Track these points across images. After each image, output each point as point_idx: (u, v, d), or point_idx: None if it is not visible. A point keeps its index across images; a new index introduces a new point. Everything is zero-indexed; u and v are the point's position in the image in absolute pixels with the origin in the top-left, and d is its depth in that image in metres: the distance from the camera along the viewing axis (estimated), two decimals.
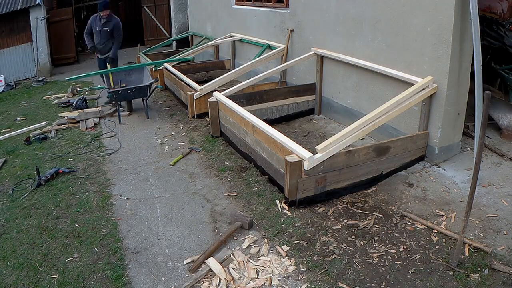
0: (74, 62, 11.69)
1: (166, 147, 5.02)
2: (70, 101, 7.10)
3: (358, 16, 4.71)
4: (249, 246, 3.08)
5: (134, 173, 4.39)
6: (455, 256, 2.73)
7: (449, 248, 2.93)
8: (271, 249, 3.04)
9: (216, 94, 5.10)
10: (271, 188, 3.86)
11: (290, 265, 2.87)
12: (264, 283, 2.71)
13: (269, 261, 2.92)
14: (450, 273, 2.70)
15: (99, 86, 8.25)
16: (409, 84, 3.98)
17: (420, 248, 2.96)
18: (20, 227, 3.53)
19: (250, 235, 3.20)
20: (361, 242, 3.06)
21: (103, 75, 6.69)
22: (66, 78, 7.24)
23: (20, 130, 6.13)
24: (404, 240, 3.06)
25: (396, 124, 4.31)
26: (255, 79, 5.47)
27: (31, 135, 5.65)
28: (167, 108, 6.54)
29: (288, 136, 3.75)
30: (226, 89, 5.28)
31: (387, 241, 3.06)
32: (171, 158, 4.65)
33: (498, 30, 5.13)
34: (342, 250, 2.98)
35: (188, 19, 10.84)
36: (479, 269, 2.71)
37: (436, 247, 2.96)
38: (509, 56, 5.10)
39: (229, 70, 7.28)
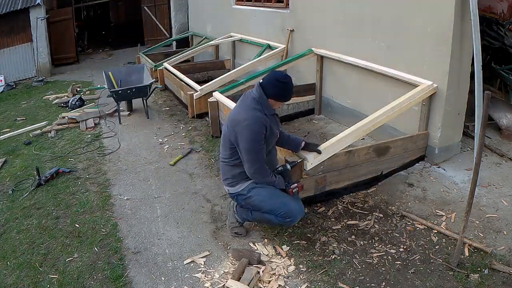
0: (74, 62, 11.70)
1: (166, 147, 5.02)
2: (69, 101, 7.10)
3: (358, 16, 4.71)
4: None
5: (134, 173, 4.39)
6: (455, 256, 2.73)
7: (449, 248, 2.92)
8: (271, 249, 3.04)
9: (216, 94, 5.10)
10: None
11: (290, 265, 2.86)
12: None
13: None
14: (450, 273, 2.70)
15: (98, 86, 8.26)
16: (409, 84, 3.98)
17: (420, 248, 2.96)
18: (20, 227, 3.53)
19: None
20: (361, 242, 3.06)
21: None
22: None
23: (20, 130, 6.13)
24: (404, 240, 3.06)
25: (396, 124, 4.30)
26: (255, 79, 5.46)
27: (31, 135, 5.66)
28: (167, 108, 6.54)
29: None
30: None
31: (387, 241, 3.06)
32: (171, 158, 4.65)
33: (498, 30, 5.13)
34: (342, 250, 2.98)
35: (188, 19, 10.83)
36: (479, 269, 2.70)
37: (436, 247, 2.96)
38: (509, 56, 5.09)
39: (229, 70, 7.27)
